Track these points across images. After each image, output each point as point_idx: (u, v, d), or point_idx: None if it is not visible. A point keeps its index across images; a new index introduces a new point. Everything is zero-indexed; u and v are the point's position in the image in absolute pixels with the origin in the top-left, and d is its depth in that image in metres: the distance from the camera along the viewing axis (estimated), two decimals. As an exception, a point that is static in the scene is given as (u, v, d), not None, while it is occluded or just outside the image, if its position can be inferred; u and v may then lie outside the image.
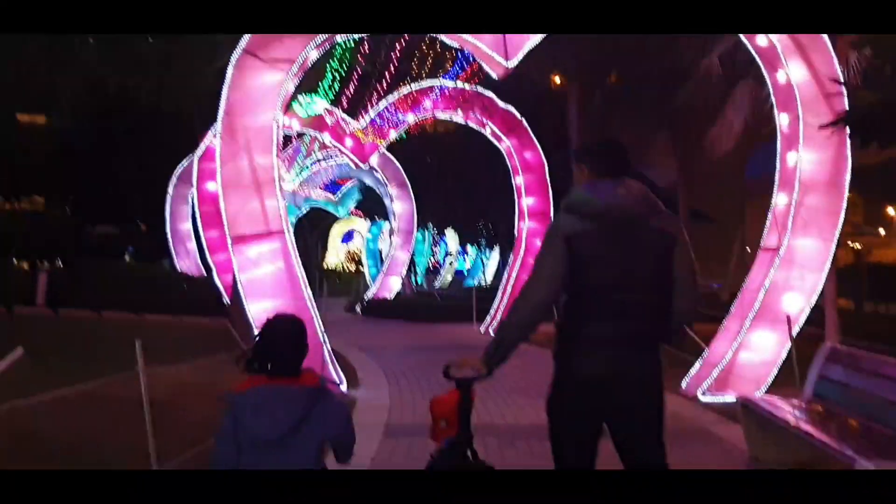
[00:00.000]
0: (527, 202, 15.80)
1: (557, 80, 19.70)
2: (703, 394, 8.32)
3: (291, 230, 8.58)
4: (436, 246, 32.86)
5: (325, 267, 43.21)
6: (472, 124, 16.07)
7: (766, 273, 8.45)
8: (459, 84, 15.23)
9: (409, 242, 22.71)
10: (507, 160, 16.15)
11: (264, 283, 8.06)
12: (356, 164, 15.19)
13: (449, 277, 35.49)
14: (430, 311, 18.74)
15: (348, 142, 14.60)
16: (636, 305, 3.13)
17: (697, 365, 8.75)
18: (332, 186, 31.27)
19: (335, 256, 46.45)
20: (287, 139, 21.93)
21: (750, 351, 8.41)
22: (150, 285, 17.87)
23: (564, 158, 19.20)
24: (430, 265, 38.77)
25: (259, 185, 8.11)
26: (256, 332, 2.99)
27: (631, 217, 3.16)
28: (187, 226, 20.83)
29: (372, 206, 30.11)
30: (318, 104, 13.88)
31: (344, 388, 8.29)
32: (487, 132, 15.98)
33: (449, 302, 20.28)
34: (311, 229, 39.15)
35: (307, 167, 23.67)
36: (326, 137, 14.49)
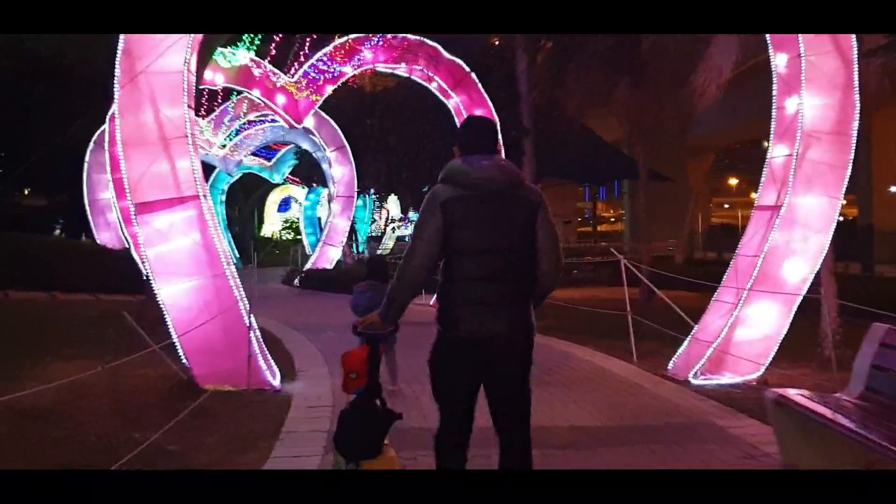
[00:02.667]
0: (478, 163, 14.53)
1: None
2: (696, 377, 7.26)
3: (209, 196, 7.13)
4: (379, 212, 31.48)
5: (262, 236, 41.44)
6: (416, 78, 14.67)
7: (763, 236, 7.37)
8: (405, 34, 13.79)
9: (349, 209, 21.29)
10: (456, 117, 14.82)
11: (177, 259, 6.63)
12: (290, 124, 13.66)
13: (391, 244, 34.16)
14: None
15: (280, 98, 13.02)
16: (504, 268, 3.38)
17: (686, 343, 7.68)
18: (266, 151, 29.55)
19: (272, 225, 44.68)
20: (213, 99, 20.18)
21: (748, 326, 7.35)
22: (66, 261, 16.04)
23: (516, 115, 18.08)
24: (372, 232, 37.34)
25: (167, 142, 6.63)
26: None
27: (498, 187, 3.41)
28: (107, 195, 19.01)
29: (309, 172, 28.51)
30: (241, 55, 12.25)
31: (277, 382, 6.95)
32: (433, 87, 14.62)
33: (391, 271, 18.93)
34: (246, 197, 37.24)
35: (236, 130, 21.93)
36: (256, 93, 12.90)
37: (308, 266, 21.55)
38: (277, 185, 35.51)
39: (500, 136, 4.02)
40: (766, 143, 7.85)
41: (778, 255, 7.30)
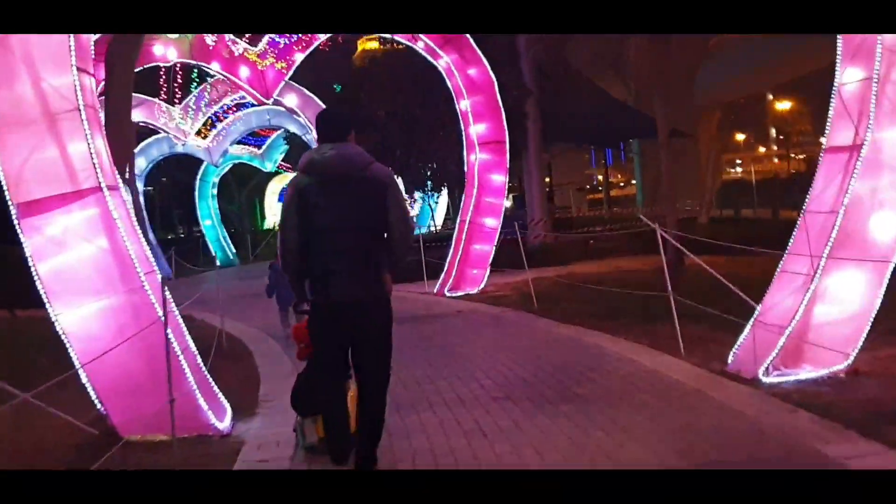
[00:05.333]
0: (476, 130, 12.86)
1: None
2: (767, 373, 5.64)
3: (121, 186, 5.53)
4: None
5: (265, 229, 39.94)
6: (399, 39, 12.99)
7: (840, 185, 5.71)
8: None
9: (342, 193, 19.68)
10: (448, 80, 13.13)
11: (78, 273, 5.04)
12: (258, 100, 12.04)
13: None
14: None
15: (244, 71, 11.38)
16: (355, 242, 3.93)
17: (748, 329, 6.05)
18: (255, 138, 27.96)
19: (274, 216, 43.12)
20: (185, 82, 18.58)
21: (829, 303, 5.72)
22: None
23: (517, 75, 16.31)
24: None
25: (53, 118, 5.02)
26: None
27: (345, 172, 3.92)
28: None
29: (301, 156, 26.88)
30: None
31: (225, 423, 5.37)
32: (420, 47, 12.92)
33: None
34: (240, 188, 35.68)
35: (214, 116, 20.32)
36: (215, 67, 11.26)
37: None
38: (272, 174, 33.92)
39: (350, 124, 4.23)
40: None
41: (862, 208, 5.64)
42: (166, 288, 4.89)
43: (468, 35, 12.43)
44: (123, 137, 8.97)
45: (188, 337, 5.48)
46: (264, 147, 28.20)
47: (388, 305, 4.14)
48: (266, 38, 11.42)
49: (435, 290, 13.00)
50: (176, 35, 10.41)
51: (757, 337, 5.91)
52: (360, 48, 24.02)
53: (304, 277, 4.06)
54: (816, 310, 5.69)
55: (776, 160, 58.53)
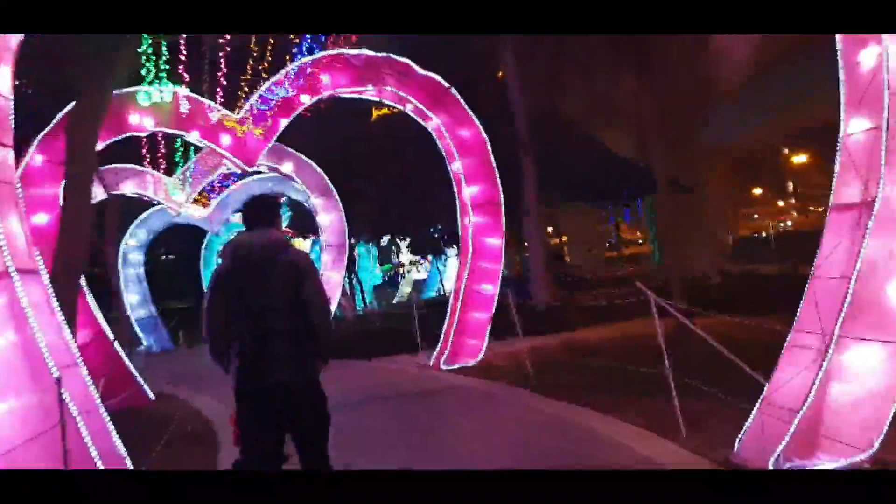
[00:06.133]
0: (469, 192, 12.32)
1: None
2: (778, 465, 4.90)
3: (41, 270, 4.98)
4: (396, 257, 29.49)
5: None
6: (388, 102, 12.60)
7: (850, 247, 5.06)
8: (367, 51, 11.74)
9: (341, 260, 19.14)
10: (439, 142, 12.67)
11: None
12: (241, 168, 11.58)
13: (408, 290, 31.95)
14: (365, 340, 15.12)
15: (225, 139, 10.95)
16: (274, 325, 3.93)
17: (755, 412, 5.32)
18: (258, 206, 27.63)
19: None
20: (174, 153, 18.32)
21: (844, 381, 5.00)
22: None
23: (510, 131, 15.87)
24: (387, 277, 35.14)
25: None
26: None
27: (262, 257, 3.99)
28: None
29: (305, 223, 26.49)
30: (166, 92, 10.20)
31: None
32: (409, 109, 12.51)
33: (392, 323, 16.60)
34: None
35: (210, 185, 19.98)
36: (194, 136, 10.86)
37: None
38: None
39: (276, 210, 4.40)
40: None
41: (877, 273, 4.96)
42: (64, 390, 4.26)
43: (457, 95, 12.03)
44: (81, 217, 8.50)
45: (112, 435, 4.84)
46: (268, 214, 27.90)
47: (319, 387, 4.07)
48: (247, 105, 11.03)
49: (431, 363, 12.29)
50: (147, 102, 10.05)
51: (765, 422, 5.18)
52: (374, 115, 23.80)
53: (229, 361, 4.02)
54: (831, 389, 4.97)
55: (794, 214, 57.71)
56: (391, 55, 11.81)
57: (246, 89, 11.87)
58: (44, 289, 4.86)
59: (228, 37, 10.59)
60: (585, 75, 12.71)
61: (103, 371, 10.57)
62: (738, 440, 5.35)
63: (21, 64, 5.32)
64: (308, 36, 12.55)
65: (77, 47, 8.41)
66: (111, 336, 10.65)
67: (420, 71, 11.97)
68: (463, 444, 6.76)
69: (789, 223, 55.44)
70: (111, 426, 4.90)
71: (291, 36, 12.52)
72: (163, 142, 17.10)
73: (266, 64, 12.34)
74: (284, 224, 28.46)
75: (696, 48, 11.75)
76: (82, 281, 10.68)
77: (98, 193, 14.89)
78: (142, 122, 10.54)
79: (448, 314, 12.42)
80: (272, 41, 12.08)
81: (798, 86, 20.61)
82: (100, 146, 10.72)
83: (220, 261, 4.13)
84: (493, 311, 12.10)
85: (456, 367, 11.84)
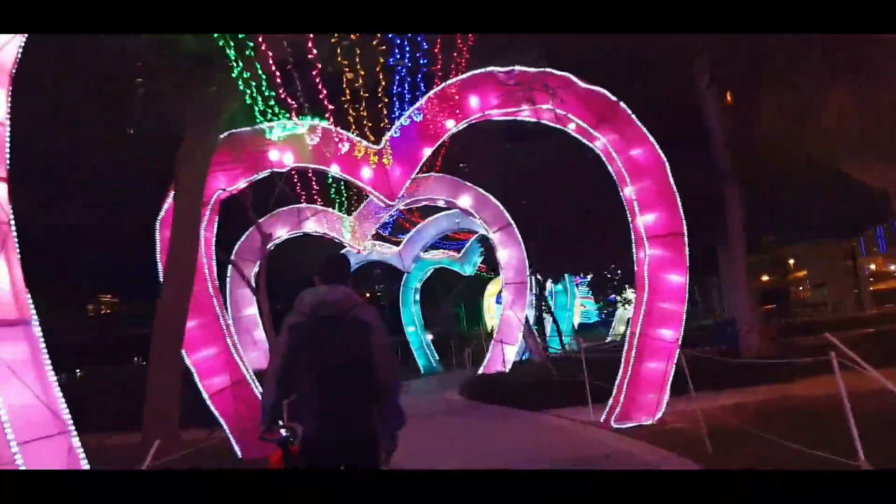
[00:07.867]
0: (644, 221, 10.60)
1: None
2: None
3: (29, 307, 4.24)
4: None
5: (483, 331, 39.04)
6: (548, 122, 11.24)
7: None
8: (519, 67, 10.54)
9: (521, 298, 17.85)
10: (609, 165, 11.11)
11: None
12: (384, 203, 10.77)
13: (622, 328, 29.91)
14: (538, 391, 13.64)
15: (366, 172, 10.21)
16: (340, 380, 3.90)
17: None
18: (454, 243, 27.34)
19: (491, 319, 42.10)
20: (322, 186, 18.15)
21: None
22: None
23: (700, 152, 13.83)
24: (603, 315, 33.20)
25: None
26: None
27: (333, 312, 3.98)
28: (251, 311, 17.46)
29: (495, 260, 25.69)
30: (302, 125, 9.61)
31: None
32: (572, 129, 11.08)
33: (566, 374, 14.86)
34: (446, 292, 35.15)
35: (391, 221, 19.72)
36: (335, 170, 10.22)
37: (480, 370, 18.22)
38: (486, 278, 33.06)
39: (349, 269, 4.30)
40: None
41: None
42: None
43: (627, 109, 10.45)
44: (188, 255, 8.03)
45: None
46: (463, 251, 27.43)
47: (376, 445, 3.97)
48: (386, 136, 10.24)
49: (602, 420, 10.61)
50: (279, 136, 9.52)
51: None
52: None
53: (279, 409, 4.03)
54: None
55: None
56: (548, 69, 10.52)
57: (386, 119, 11.09)
58: (32, 342, 4.09)
59: (361, 70, 9.82)
60: (802, 88, 10.59)
61: (238, 419, 10.10)
62: None
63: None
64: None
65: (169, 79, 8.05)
66: (253, 381, 10.19)
67: (582, 84, 10.56)
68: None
69: None
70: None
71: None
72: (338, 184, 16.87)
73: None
74: (479, 260, 27.93)
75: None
76: (229, 321, 10.34)
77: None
78: (282, 159, 10.07)
79: (622, 364, 10.70)
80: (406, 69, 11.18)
81: None
82: (242, 184, 10.45)
83: (291, 313, 4.05)
84: (675, 360, 10.21)
85: (630, 425, 10.08)
